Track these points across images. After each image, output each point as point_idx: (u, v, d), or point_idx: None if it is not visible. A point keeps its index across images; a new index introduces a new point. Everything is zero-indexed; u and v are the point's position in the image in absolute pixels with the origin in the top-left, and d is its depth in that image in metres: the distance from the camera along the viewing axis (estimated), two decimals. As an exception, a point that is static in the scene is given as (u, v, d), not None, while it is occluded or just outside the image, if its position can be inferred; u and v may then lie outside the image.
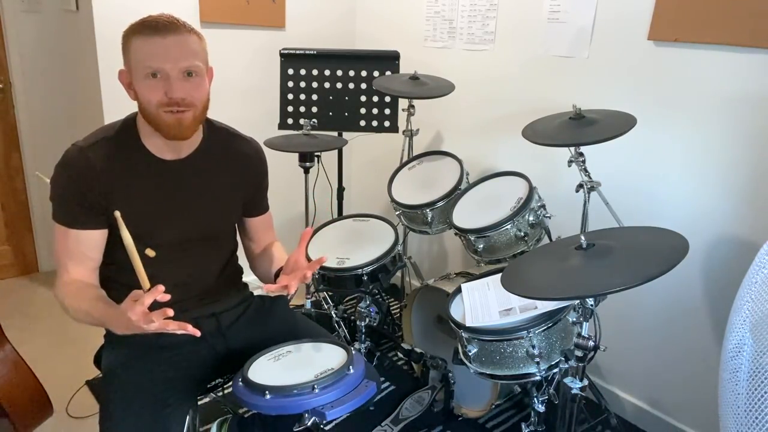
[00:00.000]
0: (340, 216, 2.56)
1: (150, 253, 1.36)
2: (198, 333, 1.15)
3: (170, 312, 1.10)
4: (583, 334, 1.34)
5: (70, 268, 1.32)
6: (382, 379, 2.32)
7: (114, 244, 1.35)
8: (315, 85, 2.53)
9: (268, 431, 1.50)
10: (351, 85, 2.55)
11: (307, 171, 2.42)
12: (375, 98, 2.55)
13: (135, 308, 1.08)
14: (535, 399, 1.70)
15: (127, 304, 1.11)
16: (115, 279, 1.39)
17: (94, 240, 1.32)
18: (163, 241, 1.37)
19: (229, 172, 1.45)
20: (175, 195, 1.37)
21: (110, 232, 1.34)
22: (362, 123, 2.58)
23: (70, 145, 1.32)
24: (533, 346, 1.52)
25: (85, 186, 1.28)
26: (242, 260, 1.61)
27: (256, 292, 1.63)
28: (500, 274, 1.40)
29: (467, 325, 1.60)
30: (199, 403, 1.44)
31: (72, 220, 1.30)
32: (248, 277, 1.62)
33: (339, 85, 2.54)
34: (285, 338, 1.43)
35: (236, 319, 1.52)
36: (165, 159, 1.35)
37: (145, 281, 1.13)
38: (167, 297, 1.11)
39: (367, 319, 2.16)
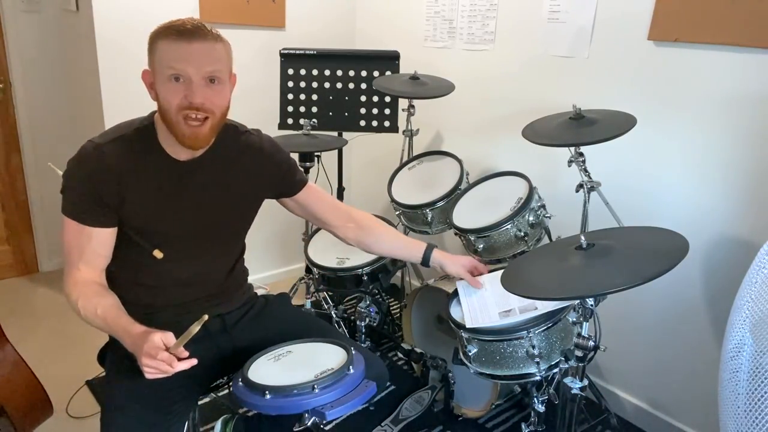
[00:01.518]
0: (340, 216, 2.56)
1: (157, 254, 1.36)
2: (194, 362, 1.17)
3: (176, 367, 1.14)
4: (583, 334, 1.34)
5: (81, 266, 1.31)
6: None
7: (124, 241, 1.35)
8: (315, 85, 2.53)
9: (275, 429, 1.50)
10: (351, 85, 2.54)
11: (307, 171, 2.42)
12: (375, 98, 2.55)
13: (155, 363, 1.12)
14: (535, 399, 1.70)
15: (151, 347, 1.13)
16: (117, 276, 1.39)
17: (105, 238, 1.32)
18: (175, 240, 1.37)
19: (244, 167, 1.44)
20: (190, 195, 1.37)
21: (121, 229, 1.34)
22: (362, 123, 2.58)
23: (72, 143, 1.33)
24: (533, 346, 1.52)
25: (99, 183, 1.27)
26: (247, 262, 1.61)
27: (259, 292, 1.64)
28: (498, 272, 1.40)
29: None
30: (200, 402, 1.44)
31: (84, 216, 1.29)
32: (251, 276, 1.62)
33: (339, 85, 2.54)
34: (290, 336, 1.43)
35: (241, 318, 1.52)
36: (180, 159, 1.35)
37: (178, 348, 1.15)
38: (194, 361, 1.15)
39: (367, 319, 2.16)
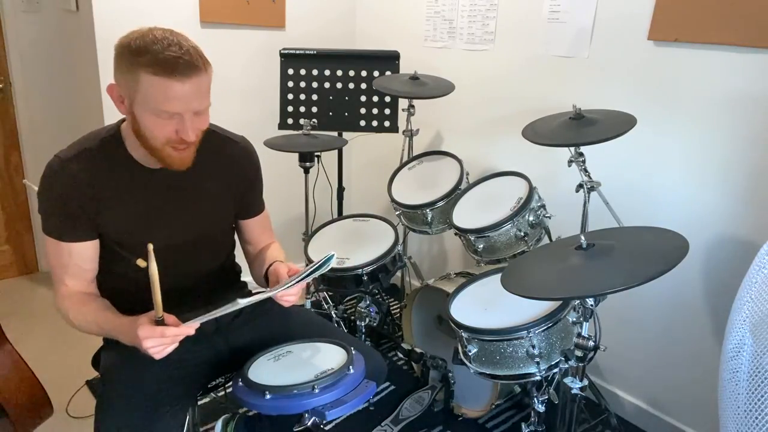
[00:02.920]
0: (340, 216, 2.57)
1: (140, 263, 1.34)
2: (191, 331, 1.16)
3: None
4: (583, 334, 1.34)
5: (67, 281, 1.31)
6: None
7: (107, 253, 1.35)
8: (315, 85, 2.53)
9: (275, 429, 1.50)
10: (351, 85, 2.55)
11: (307, 171, 2.42)
12: (375, 98, 2.55)
13: (155, 341, 1.11)
14: (535, 399, 1.70)
15: (144, 330, 1.11)
16: (110, 287, 1.38)
17: (86, 252, 1.31)
18: (154, 248, 1.37)
19: (218, 175, 1.43)
20: (164, 203, 1.35)
21: (102, 242, 1.33)
22: (362, 123, 2.58)
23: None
24: (533, 346, 1.52)
25: (70, 199, 1.26)
26: (240, 259, 1.61)
27: (254, 291, 1.63)
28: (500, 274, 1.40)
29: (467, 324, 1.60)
30: (201, 402, 1.43)
31: (62, 233, 1.28)
32: (247, 276, 1.62)
33: (339, 85, 2.54)
34: (288, 335, 1.42)
35: (234, 318, 1.52)
36: (152, 168, 1.33)
37: (159, 310, 1.14)
38: (190, 331, 1.15)
39: (367, 319, 2.17)
